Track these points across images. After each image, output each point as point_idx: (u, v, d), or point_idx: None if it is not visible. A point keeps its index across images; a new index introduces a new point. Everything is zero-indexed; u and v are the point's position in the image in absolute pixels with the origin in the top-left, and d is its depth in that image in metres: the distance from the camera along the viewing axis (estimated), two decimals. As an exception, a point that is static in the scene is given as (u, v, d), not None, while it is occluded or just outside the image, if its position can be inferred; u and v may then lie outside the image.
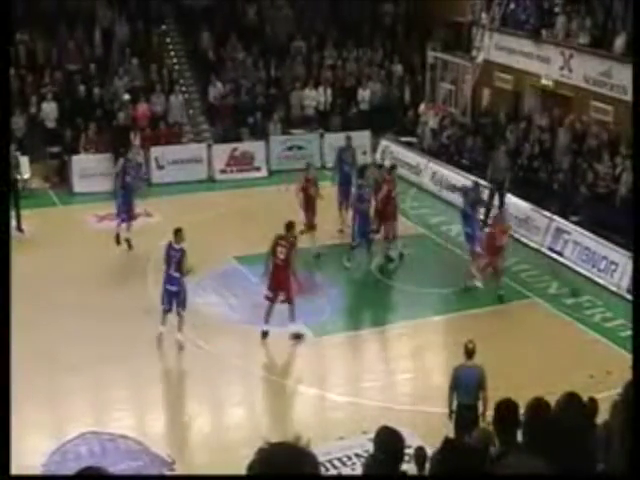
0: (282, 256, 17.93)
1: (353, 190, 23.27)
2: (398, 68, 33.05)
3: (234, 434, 15.52)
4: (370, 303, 20.72)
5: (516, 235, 23.47)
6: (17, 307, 19.17)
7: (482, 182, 23.88)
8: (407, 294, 20.64)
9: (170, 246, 17.76)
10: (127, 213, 22.47)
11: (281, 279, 18.06)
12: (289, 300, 18.15)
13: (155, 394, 16.82)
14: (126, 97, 29.15)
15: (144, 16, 31.91)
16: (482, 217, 24.44)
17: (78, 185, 26.98)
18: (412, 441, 13.79)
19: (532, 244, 23.21)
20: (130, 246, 22.31)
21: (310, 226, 22.23)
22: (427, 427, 14.75)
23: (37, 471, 13.85)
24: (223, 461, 13.61)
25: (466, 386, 13.68)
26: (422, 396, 16.60)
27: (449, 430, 13.31)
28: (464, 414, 13.64)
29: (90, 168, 27.07)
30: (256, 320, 18.46)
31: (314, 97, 31.54)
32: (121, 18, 31.50)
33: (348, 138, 25.17)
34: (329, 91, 31.80)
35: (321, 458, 13.66)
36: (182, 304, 17.74)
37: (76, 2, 31.26)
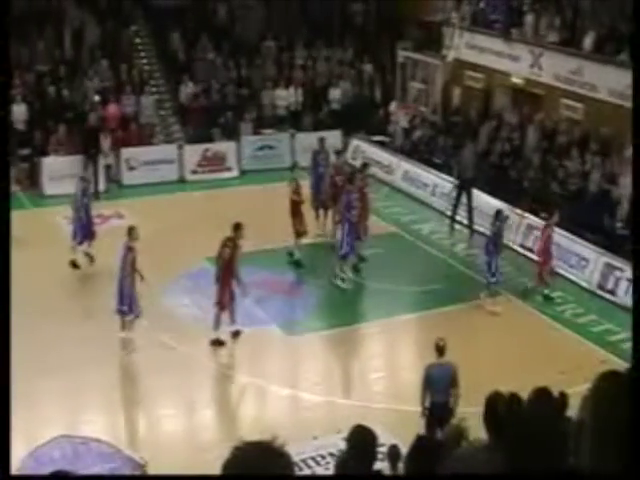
0: (225, 256, 17.88)
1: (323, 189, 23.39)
2: (368, 67, 33.07)
3: (207, 435, 15.51)
4: (343, 302, 20.66)
5: (488, 233, 23.59)
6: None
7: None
8: (380, 292, 20.65)
9: (124, 245, 17.70)
10: (89, 232, 21.73)
11: (222, 281, 17.97)
12: (219, 303, 17.88)
13: (127, 396, 16.76)
14: (96, 98, 29.00)
15: (114, 16, 31.80)
16: (449, 214, 24.79)
17: (48, 187, 26.83)
18: (386, 439, 13.82)
19: (505, 240, 23.26)
20: (92, 259, 21.68)
21: (299, 233, 22.13)
22: (401, 425, 14.77)
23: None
24: (196, 462, 13.59)
25: (438, 384, 13.75)
26: (396, 394, 16.64)
27: (423, 428, 13.36)
28: (437, 412, 13.69)
29: (60, 170, 26.86)
30: (228, 321, 18.45)
31: (285, 97, 31.51)
32: (91, 19, 31.35)
33: (321, 140, 25.06)
34: (300, 91, 31.79)
35: (295, 458, 13.56)
36: (130, 306, 17.64)
37: (45, 2, 31.12)
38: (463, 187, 24.60)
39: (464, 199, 24.62)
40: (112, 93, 29.66)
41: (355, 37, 33.94)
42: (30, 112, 28.38)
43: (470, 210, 24.25)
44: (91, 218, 22.05)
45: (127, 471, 13.99)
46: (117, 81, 30.27)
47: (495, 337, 18.43)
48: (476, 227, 24.14)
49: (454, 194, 24.87)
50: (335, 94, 31.99)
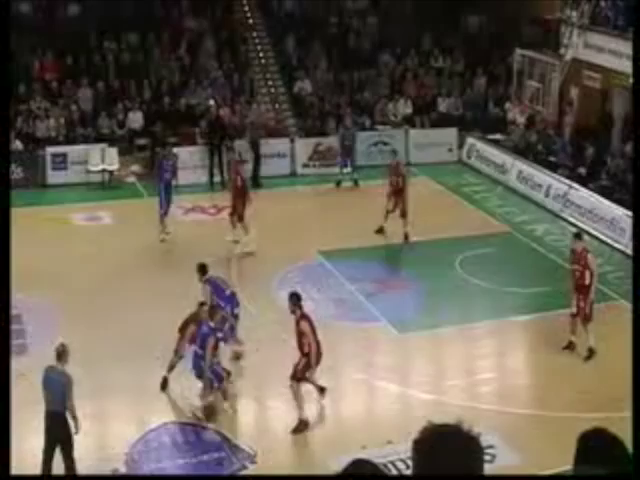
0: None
1: None
2: (482, 81, 32.70)
3: (316, 430, 15.49)
4: (454, 301, 20.43)
5: (602, 237, 23.20)
6: (110, 294, 19.45)
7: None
8: (491, 293, 20.44)
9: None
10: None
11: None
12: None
13: (237, 387, 16.89)
14: (211, 102, 29.38)
15: (230, 25, 32.41)
16: None
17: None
18: (494, 442, 13.77)
19: (618, 246, 22.89)
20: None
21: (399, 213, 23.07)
22: (508, 428, 14.69)
23: (120, 459, 14.05)
24: (303, 456, 13.66)
25: None
26: (505, 396, 16.49)
27: (531, 430, 13.18)
28: None
29: (184, 161, 27.22)
30: (339, 315, 18.54)
31: (395, 110, 31.38)
32: (207, 26, 31.96)
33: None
34: (409, 102, 31.63)
35: (402, 455, 13.63)
36: None
37: (164, 12, 31.76)
38: None
39: None
40: (225, 100, 30.07)
41: (468, 48, 33.49)
42: (146, 119, 29.08)
43: None
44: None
45: (237, 461, 14.17)
46: (232, 89, 30.69)
47: (606, 343, 17.96)
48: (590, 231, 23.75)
49: None
50: (444, 104, 31.76)
